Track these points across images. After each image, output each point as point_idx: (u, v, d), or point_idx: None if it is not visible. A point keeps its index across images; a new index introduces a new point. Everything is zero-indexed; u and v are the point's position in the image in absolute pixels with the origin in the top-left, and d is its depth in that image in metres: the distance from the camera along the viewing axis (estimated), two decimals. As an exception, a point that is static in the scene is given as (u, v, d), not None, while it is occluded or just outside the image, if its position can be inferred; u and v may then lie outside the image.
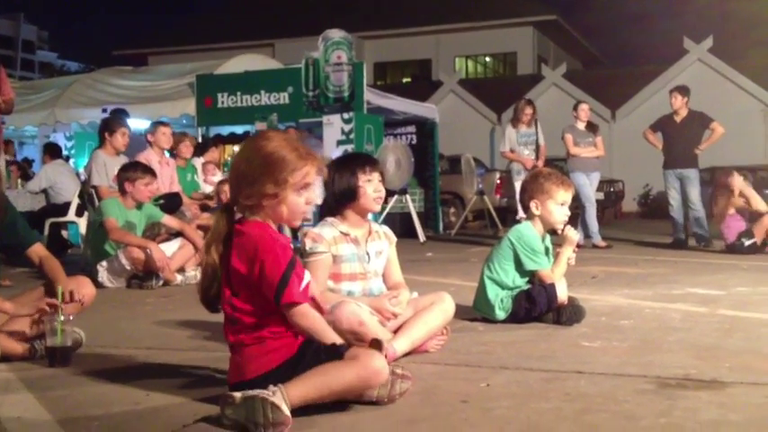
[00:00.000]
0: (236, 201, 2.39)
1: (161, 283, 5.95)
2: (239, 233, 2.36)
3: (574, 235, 3.96)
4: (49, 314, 3.07)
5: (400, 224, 10.95)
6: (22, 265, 6.29)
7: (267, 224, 2.38)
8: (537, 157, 9.19)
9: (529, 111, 9.43)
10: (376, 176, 3.31)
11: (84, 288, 3.36)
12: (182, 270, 6.22)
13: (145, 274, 5.91)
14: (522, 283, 3.92)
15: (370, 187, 3.28)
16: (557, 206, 3.91)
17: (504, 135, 9.64)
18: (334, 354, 2.32)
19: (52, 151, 10.24)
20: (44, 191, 9.34)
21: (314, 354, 2.32)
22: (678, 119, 9.09)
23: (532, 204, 3.94)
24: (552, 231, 4.01)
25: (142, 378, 2.83)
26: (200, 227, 6.74)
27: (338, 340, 2.40)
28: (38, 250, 3.42)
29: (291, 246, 2.41)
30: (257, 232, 2.34)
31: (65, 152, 11.98)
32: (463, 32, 27.42)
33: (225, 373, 2.55)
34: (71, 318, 3.16)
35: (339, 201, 3.28)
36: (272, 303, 2.31)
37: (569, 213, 3.98)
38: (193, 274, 6.21)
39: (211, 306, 2.48)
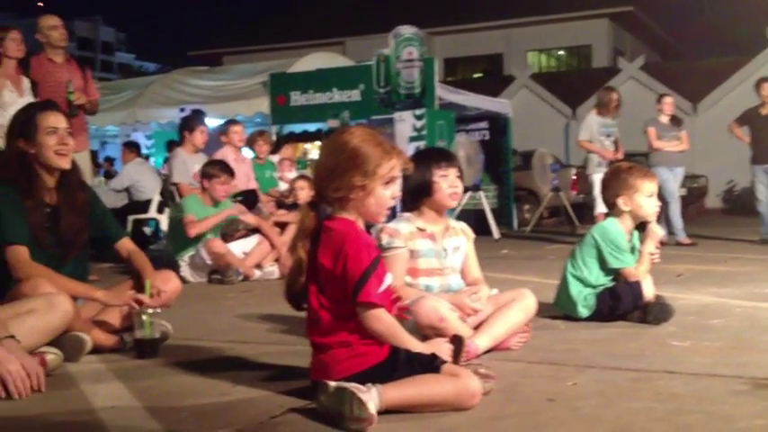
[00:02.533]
0: (323, 195, 2.40)
1: (240, 278, 6.06)
2: (327, 229, 2.38)
3: (658, 230, 3.85)
4: (138, 307, 3.15)
5: (474, 221, 10.84)
6: (107, 260, 6.52)
7: (355, 222, 2.39)
8: (617, 150, 8.85)
9: (617, 98, 9.05)
10: (452, 172, 3.29)
11: (170, 282, 3.45)
12: (259, 266, 6.32)
13: (226, 269, 6.02)
14: (606, 281, 3.83)
15: (446, 183, 3.26)
16: (645, 199, 3.80)
17: (585, 122, 9.11)
18: (429, 365, 2.32)
19: (133, 149, 10.54)
20: (126, 189, 9.61)
21: (407, 363, 2.32)
22: (765, 111, 8.75)
23: (620, 201, 3.83)
24: (636, 227, 3.90)
25: (227, 370, 2.88)
26: (276, 223, 6.84)
27: (416, 346, 2.40)
28: (126, 245, 3.52)
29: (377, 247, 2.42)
30: (345, 228, 2.36)
31: (145, 151, 12.30)
32: (535, 26, 27.03)
33: (305, 367, 2.57)
34: (158, 311, 3.24)
35: (414, 196, 3.27)
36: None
37: (659, 204, 3.87)
38: (271, 269, 6.31)
39: (296, 303, 2.51)
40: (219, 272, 6.06)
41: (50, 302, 2.89)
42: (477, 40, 27.48)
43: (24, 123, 3.28)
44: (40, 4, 73.72)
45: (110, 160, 14.52)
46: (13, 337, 2.63)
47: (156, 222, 9.42)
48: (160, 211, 9.05)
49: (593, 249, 3.83)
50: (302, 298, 2.46)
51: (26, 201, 3.24)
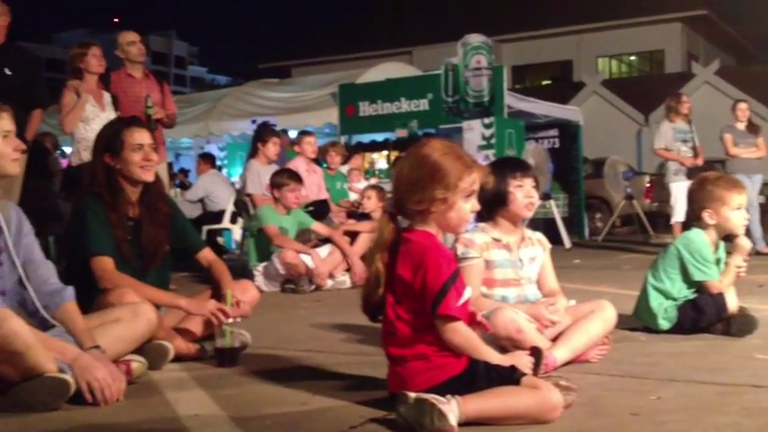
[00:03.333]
0: (403, 208, 2.41)
1: (313, 287, 6.13)
2: (406, 241, 2.39)
3: (746, 243, 3.72)
4: (222, 319, 3.21)
5: (544, 230, 10.62)
6: (183, 269, 6.67)
7: (434, 235, 2.40)
8: (695, 156, 8.61)
9: (686, 102, 8.85)
10: (528, 182, 3.27)
11: (248, 292, 3.52)
12: (331, 275, 6.38)
13: (298, 279, 6.10)
14: (688, 293, 3.71)
15: (521, 193, 3.24)
16: (733, 211, 3.67)
17: (660, 131, 8.92)
18: (508, 378, 2.31)
19: (207, 161, 10.78)
20: (201, 199, 9.83)
21: (486, 375, 2.31)
22: None
23: (705, 215, 3.71)
24: (724, 238, 3.78)
25: (305, 379, 2.91)
26: (346, 233, 6.89)
27: (494, 358, 2.38)
28: (207, 255, 3.60)
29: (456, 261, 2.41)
30: (425, 241, 2.36)
31: (218, 162, 12.57)
32: (606, 31, 26.56)
33: (382, 378, 2.58)
34: (238, 320, 3.30)
35: (489, 206, 3.25)
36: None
37: (748, 217, 3.75)
38: (343, 279, 6.37)
39: (372, 314, 2.52)
40: (292, 281, 6.14)
41: (135, 312, 2.97)
42: (546, 46, 27.17)
43: (110, 139, 3.39)
44: (116, 19, 76.16)
45: (184, 172, 14.89)
46: (98, 346, 2.71)
47: (230, 232, 9.60)
48: (233, 221, 9.22)
49: (677, 261, 3.73)
50: (379, 309, 2.47)
51: (110, 214, 3.35)
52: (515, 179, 3.24)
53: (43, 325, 2.70)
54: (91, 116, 5.84)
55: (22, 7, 5.57)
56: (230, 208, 9.12)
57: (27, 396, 2.47)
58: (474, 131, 10.33)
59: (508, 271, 3.23)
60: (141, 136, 3.39)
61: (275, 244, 6.19)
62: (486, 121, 10.29)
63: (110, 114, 5.92)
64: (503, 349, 2.79)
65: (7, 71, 5.37)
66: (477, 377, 2.31)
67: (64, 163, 8.58)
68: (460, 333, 2.33)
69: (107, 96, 6.06)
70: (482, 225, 3.27)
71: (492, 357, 2.38)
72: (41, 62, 7.25)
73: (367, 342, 3.64)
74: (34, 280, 2.77)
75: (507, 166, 3.32)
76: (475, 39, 10.79)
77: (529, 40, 27.27)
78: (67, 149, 9.84)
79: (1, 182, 2.74)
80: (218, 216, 9.41)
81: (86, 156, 5.76)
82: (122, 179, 3.38)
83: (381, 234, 2.44)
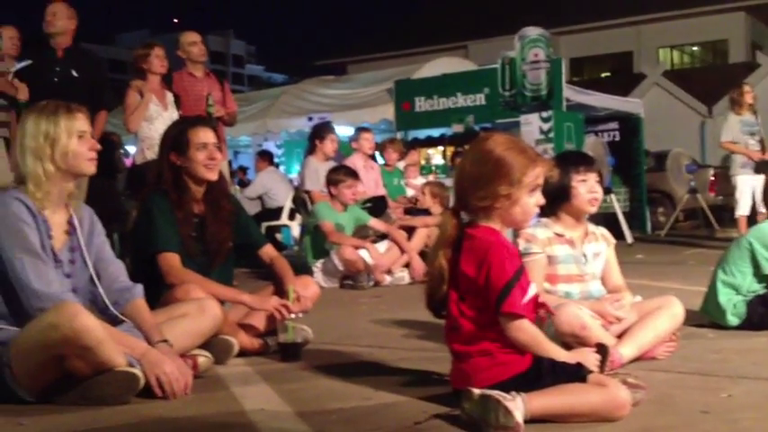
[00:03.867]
0: (466, 204, 2.40)
1: (372, 283, 6.15)
2: (470, 237, 2.37)
3: None
4: (286, 314, 3.25)
5: (605, 225, 10.38)
6: (244, 265, 6.76)
7: (498, 231, 2.38)
8: (763, 150, 8.36)
9: (749, 91, 8.60)
10: (591, 176, 3.22)
11: (309, 288, 3.55)
12: (389, 271, 6.39)
13: (357, 275, 6.12)
14: (758, 288, 3.62)
15: (584, 188, 3.19)
16: None
17: (726, 124, 8.70)
18: (574, 375, 2.28)
19: (266, 159, 10.91)
20: (259, 196, 9.95)
21: (551, 372, 2.28)
22: None
23: None
24: None
25: (368, 374, 2.92)
26: (403, 228, 6.89)
27: (560, 356, 2.35)
28: (269, 251, 3.65)
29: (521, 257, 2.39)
30: (489, 237, 2.35)
31: (276, 160, 12.70)
32: (667, 21, 25.96)
33: (444, 374, 2.58)
34: (300, 315, 3.33)
35: (552, 201, 3.19)
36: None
37: None
38: (401, 275, 6.37)
39: (436, 310, 2.51)
40: (351, 277, 6.17)
41: (201, 307, 3.03)
42: (605, 38, 26.70)
43: (176, 138, 3.46)
44: (176, 20, 77.53)
45: (243, 169, 15.09)
46: (166, 340, 2.77)
47: (288, 229, 9.69)
48: (291, 218, 9.31)
49: (748, 254, 3.62)
50: (443, 306, 2.47)
51: (176, 211, 3.42)
52: (579, 173, 3.19)
53: (113, 321, 2.76)
54: (154, 115, 5.95)
55: (85, 9, 5.70)
56: (288, 205, 9.20)
57: (98, 390, 2.53)
58: (532, 125, 10.21)
59: (571, 267, 3.19)
60: (206, 135, 3.45)
61: (330, 241, 6.22)
62: (545, 114, 10.16)
63: (172, 113, 6.03)
64: (567, 346, 2.75)
65: (74, 73, 5.50)
66: (543, 374, 2.28)
67: (127, 162, 8.78)
68: (525, 330, 2.31)
69: (169, 96, 6.17)
70: (544, 220, 3.23)
71: (557, 354, 2.35)
72: (105, 63, 7.43)
73: (428, 338, 3.64)
74: (105, 278, 2.84)
75: (570, 161, 3.27)
76: (532, 31, 10.66)
77: (587, 31, 26.83)
78: (130, 149, 10.07)
79: (74, 181, 2.80)
80: (276, 213, 9.51)
81: (150, 154, 5.89)
82: (188, 177, 3.44)
83: (444, 230, 2.43)
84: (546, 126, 10.23)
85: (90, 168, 2.77)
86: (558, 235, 3.20)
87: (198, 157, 3.41)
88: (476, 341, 2.36)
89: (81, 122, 2.74)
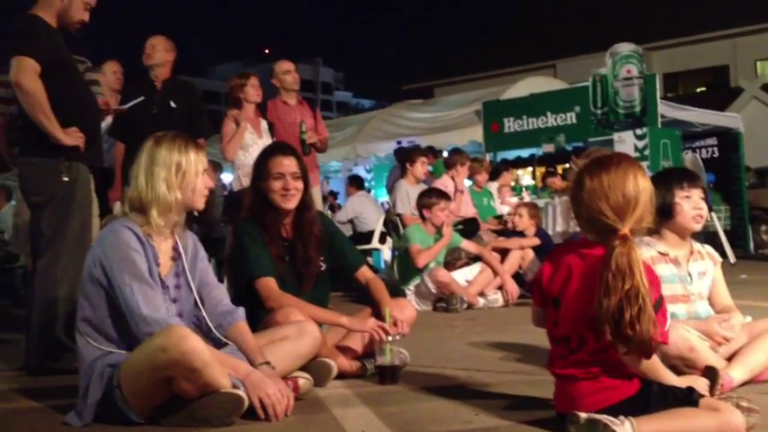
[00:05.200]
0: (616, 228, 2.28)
1: (465, 306, 6.10)
2: (587, 257, 2.32)
3: None
4: (383, 336, 3.26)
5: (705, 244, 10.17)
6: (337, 288, 6.82)
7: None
8: None
9: None
10: (695, 193, 3.12)
11: (406, 310, 3.55)
12: (482, 294, 6.32)
13: (450, 298, 6.08)
14: None
15: (688, 204, 3.10)
16: None
17: None
18: (685, 399, 2.21)
19: (356, 183, 11.02)
20: (350, 220, 10.04)
21: (661, 396, 2.22)
22: None
23: None
24: None
25: (467, 398, 2.89)
26: (496, 249, 6.83)
27: (672, 380, 2.29)
28: (365, 273, 3.67)
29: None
30: None
31: (365, 184, 12.82)
32: (765, 33, 25.04)
33: (546, 398, 2.52)
34: (397, 338, 3.33)
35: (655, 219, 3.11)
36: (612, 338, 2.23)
37: None
38: (495, 297, 6.30)
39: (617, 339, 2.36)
40: (444, 300, 6.13)
41: (302, 330, 3.07)
42: (700, 52, 25.93)
43: (259, 166, 3.57)
44: (267, 50, 79.63)
45: (333, 194, 15.29)
46: (269, 363, 2.82)
47: (380, 253, 9.74)
48: (382, 241, 9.35)
49: None
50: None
51: (266, 236, 3.49)
52: (682, 190, 3.10)
53: (216, 344, 2.83)
54: (250, 143, 6.11)
55: (180, 42, 5.89)
56: (379, 228, 9.25)
57: (204, 411, 2.58)
58: (626, 143, 9.98)
59: (676, 286, 3.09)
60: (282, 164, 3.50)
61: (419, 265, 6.21)
62: (639, 131, 9.94)
63: (267, 141, 6.18)
64: (673, 369, 2.65)
65: (172, 104, 5.66)
66: (652, 399, 2.21)
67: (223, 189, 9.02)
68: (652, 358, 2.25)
69: (264, 123, 6.33)
70: (647, 239, 3.13)
71: (670, 379, 2.29)
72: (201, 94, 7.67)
73: (526, 361, 3.59)
74: (208, 302, 2.92)
75: (673, 177, 3.18)
76: (624, 48, 10.48)
77: (681, 46, 26.14)
78: (225, 177, 10.35)
79: (183, 213, 2.89)
80: (367, 237, 9.57)
81: (246, 182, 6.00)
82: (272, 204, 3.51)
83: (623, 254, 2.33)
84: (641, 143, 10.00)
85: (201, 204, 2.86)
86: (662, 254, 3.11)
87: (273, 186, 3.48)
88: (582, 365, 2.31)
89: (205, 160, 2.86)
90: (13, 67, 3.80)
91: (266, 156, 3.59)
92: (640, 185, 2.28)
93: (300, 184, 3.53)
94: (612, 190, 2.27)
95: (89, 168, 4.10)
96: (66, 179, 3.88)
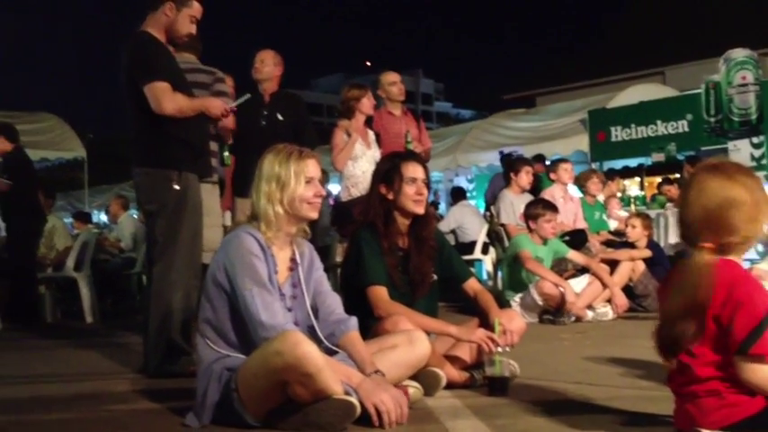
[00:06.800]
0: (697, 240, 2.24)
1: (573, 319, 5.96)
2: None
3: None
4: (492, 347, 3.23)
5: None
6: (442, 299, 6.80)
7: (740, 264, 2.22)
8: None
9: None
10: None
11: (515, 321, 3.50)
12: (591, 306, 6.17)
13: (556, 310, 5.96)
14: None
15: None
16: None
17: None
18: None
19: (457, 194, 10.99)
20: (452, 231, 10.01)
21: None
22: None
23: None
24: None
25: (580, 413, 2.83)
26: (604, 261, 6.65)
27: None
28: (473, 284, 3.65)
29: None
30: (732, 272, 2.19)
31: (467, 194, 12.77)
32: None
33: (664, 414, 2.44)
34: (506, 349, 3.29)
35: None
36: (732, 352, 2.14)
37: None
38: (604, 310, 6.13)
39: (669, 353, 2.33)
40: (551, 312, 6.02)
41: (411, 339, 3.07)
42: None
43: (388, 171, 3.57)
44: (368, 63, 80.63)
45: (434, 204, 15.30)
46: (379, 371, 2.83)
47: (482, 263, 9.65)
48: (484, 251, 9.26)
49: None
50: (677, 347, 2.26)
51: (383, 243, 3.51)
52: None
53: (328, 352, 2.87)
54: (359, 154, 6.17)
55: (283, 55, 6.01)
56: (482, 238, 9.17)
57: (317, 417, 2.62)
58: (741, 152, 9.61)
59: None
60: (416, 170, 3.54)
61: (527, 268, 6.10)
62: (756, 140, 9.54)
63: (374, 152, 6.24)
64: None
65: (279, 116, 5.78)
66: None
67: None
68: (766, 373, 2.14)
69: (371, 134, 6.38)
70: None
71: None
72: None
73: (642, 376, 3.49)
74: (322, 310, 2.97)
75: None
76: (739, 53, 10.07)
77: (799, 49, 24.84)
78: (332, 187, 10.50)
79: (300, 224, 2.94)
80: (469, 247, 9.50)
81: (355, 192, 6.10)
82: (395, 210, 3.53)
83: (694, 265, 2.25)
84: (758, 152, 9.64)
85: (312, 213, 2.90)
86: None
87: (407, 191, 3.49)
88: (704, 381, 2.22)
89: (310, 168, 2.90)
90: (150, 99, 3.93)
91: (398, 161, 3.62)
92: (728, 195, 2.20)
93: (427, 192, 3.58)
94: (696, 199, 2.24)
95: (199, 178, 4.24)
96: (176, 188, 4.02)
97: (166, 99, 3.93)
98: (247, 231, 2.83)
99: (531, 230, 6.38)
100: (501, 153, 12.28)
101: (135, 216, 10.51)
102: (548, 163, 10.04)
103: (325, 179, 8.34)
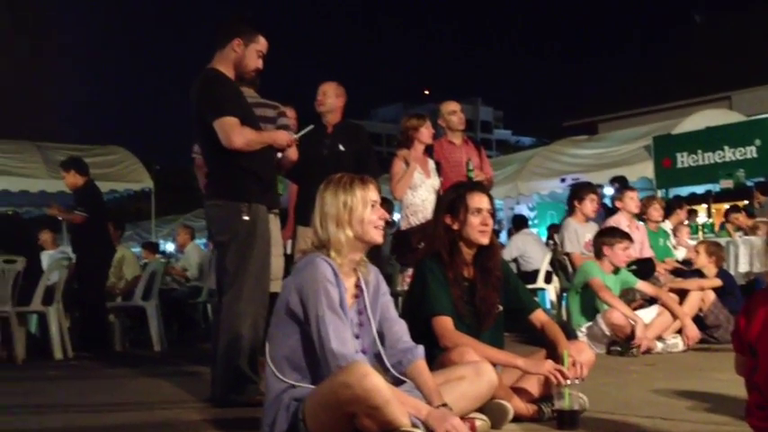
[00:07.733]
0: None
1: (642, 350, 5.80)
2: None
3: None
4: (561, 379, 3.17)
5: None
6: (507, 330, 6.72)
7: None
8: None
9: None
10: None
11: (583, 353, 3.43)
12: (661, 338, 6.01)
13: (625, 341, 5.82)
14: None
15: None
16: None
17: None
18: None
19: (519, 222, 10.89)
20: (514, 259, 9.91)
21: None
22: None
23: None
24: None
25: (654, 449, 2.74)
26: (672, 290, 6.48)
27: None
28: (539, 316, 3.60)
29: None
30: None
31: (529, 222, 12.63)
32: None
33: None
34: (576, 382, 3.22)
35: None
36: None
37: None
38: (674, 342, 5.97)
39: None
40: (619, 343, 5.87)
41: (478, 371, 3.04)
42: None
43: (453, 201, 3.57)
44: (427, 92, 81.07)
45: (495, 232, 15.19)
46: (446, 405, 2.80)
47: (545, 293, 9.52)
48: (547, 280, 9.14)
49: None
50: None
51: (448, 273, 3.50)
52: None
53: (395, 381, 2.86)
54: (418, 183, 6.19)
55: (345, 87, 6.07)
56: (545, 267, 9.05)
57: (384, 448, 2.60)
58: (814, 178, 9.30)
59: None
60: (481, 200, 3.53)
61: (600, 296, 5.98)
62: (832, 165, 9.23)
63: (434, 181, 6.24)
64: None
65: (341, 147, 5.82)
66: None
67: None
68: None
69: (431, 163, 6.40)
70: None
71: None
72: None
73: (717, 411, 3.37)
74: (389, 337, 2.97)
75: None
76: (809, 76, 9.81)
77: None
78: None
79: (365, 248, 2.96)
80: (531, 275, 9.39)
81: (414, 220, 6.11)
82: (460, 240, 3.52)
83: None
84: (831, 178, 9.27)
85: (377, 237, 2.93)
86: None
87: (472, 222, 3.48)
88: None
89: (373, 192, 2.94)
90: (219, 133, 4.01)
91: (463, 191, 3.62)
92: None
93: (492, 222, 3.57)
94: None
95: (268, 210, 4.31)
96: (246, 218, 4.09)
97: (235, 133, 4.01)
98: (321, 258, 2.86)
99: (599, 258, 6.26)
100: (563, 180, 12.17)
101: (201, 246, 10.71)
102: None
103: (390, 209, 8.36)
